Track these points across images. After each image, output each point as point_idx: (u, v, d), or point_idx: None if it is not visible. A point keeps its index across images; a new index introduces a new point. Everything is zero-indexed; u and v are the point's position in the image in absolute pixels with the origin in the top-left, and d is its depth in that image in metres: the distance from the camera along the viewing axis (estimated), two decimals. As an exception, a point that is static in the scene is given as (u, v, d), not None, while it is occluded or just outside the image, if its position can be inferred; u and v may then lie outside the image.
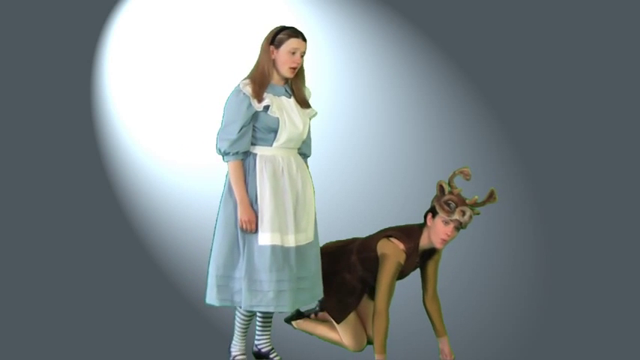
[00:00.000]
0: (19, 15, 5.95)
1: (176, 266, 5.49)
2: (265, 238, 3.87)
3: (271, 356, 4.24)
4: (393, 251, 4.08)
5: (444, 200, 4.01)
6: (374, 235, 4.25)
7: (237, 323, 4.14)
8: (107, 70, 6.28)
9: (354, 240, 4.34)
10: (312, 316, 4.54)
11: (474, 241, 5.45)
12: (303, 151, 4.13)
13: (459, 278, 5.07)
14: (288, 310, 3.93)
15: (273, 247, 3.86)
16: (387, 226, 4.26)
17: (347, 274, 4.25)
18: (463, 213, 3.98)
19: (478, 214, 4.04)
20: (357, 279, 4.25)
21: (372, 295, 4.32)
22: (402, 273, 4.17)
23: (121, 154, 6.26)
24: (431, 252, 4.20)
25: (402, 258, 4.08)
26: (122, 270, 5.39)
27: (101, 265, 5.44)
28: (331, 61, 6.29)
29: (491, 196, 4.01)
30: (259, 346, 4.27)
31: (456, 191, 4.03)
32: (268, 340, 4.26)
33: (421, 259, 4.21)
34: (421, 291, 4.27)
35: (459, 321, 4.52)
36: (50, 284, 5.18)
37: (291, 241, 3.92)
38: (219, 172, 4.10)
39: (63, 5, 6.04)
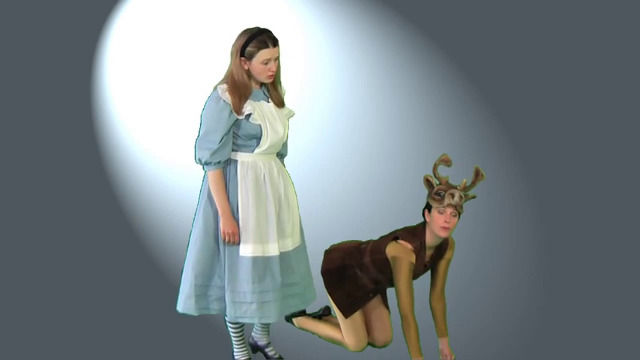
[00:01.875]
0: (20, 15, 5.96)
1: (176, 266, 5.47)
2: (247, 249, 3.78)
3: (267, 350, 4.21)
4: (402, 253, 4.08)
5: (434, 192, 4.03)
6: (383, 237, 4.23)
7: (230, 332, 4.10)
8: (107, 70, 6.28)
9: (368, 241, 4.32)
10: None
11: (474, 241, 5.45)
12: (281, 152, 4.01)
13: (459, 278, 5.07)
14: (273, 320, 3.87)
15: (254, 259, 3.78)
16: (387, 226, 4.26)
17: (359, 270, 4.25)
18: (452, 195, 3.98)
19: (474, 197, 4.04)
20: (370, 279, 4.24)
21: (384, 297, 4.36)
22: (412, 274, 4.17)
23: (121, 154, 6.26)
24: (442, 250, 4.19)
25: (412, 257, 4.08)
26: (122, 270, 5.39)
27: (101, 265, 5.43)
28: (331, 61, 6.30)
29: (477, 175, 4.01)
30: (255, 339, 4.25)
31: (443, 180, 4.05)
32: (265, 334, 4.22)
33: (432, 258, 4.19)
34: (421, 294, 4.26)
35: (459, 321, 4.51)
36: (50, 284, 5.17)
37: (273, 250, 3.82)
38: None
39: (63, 5, 6.04)
